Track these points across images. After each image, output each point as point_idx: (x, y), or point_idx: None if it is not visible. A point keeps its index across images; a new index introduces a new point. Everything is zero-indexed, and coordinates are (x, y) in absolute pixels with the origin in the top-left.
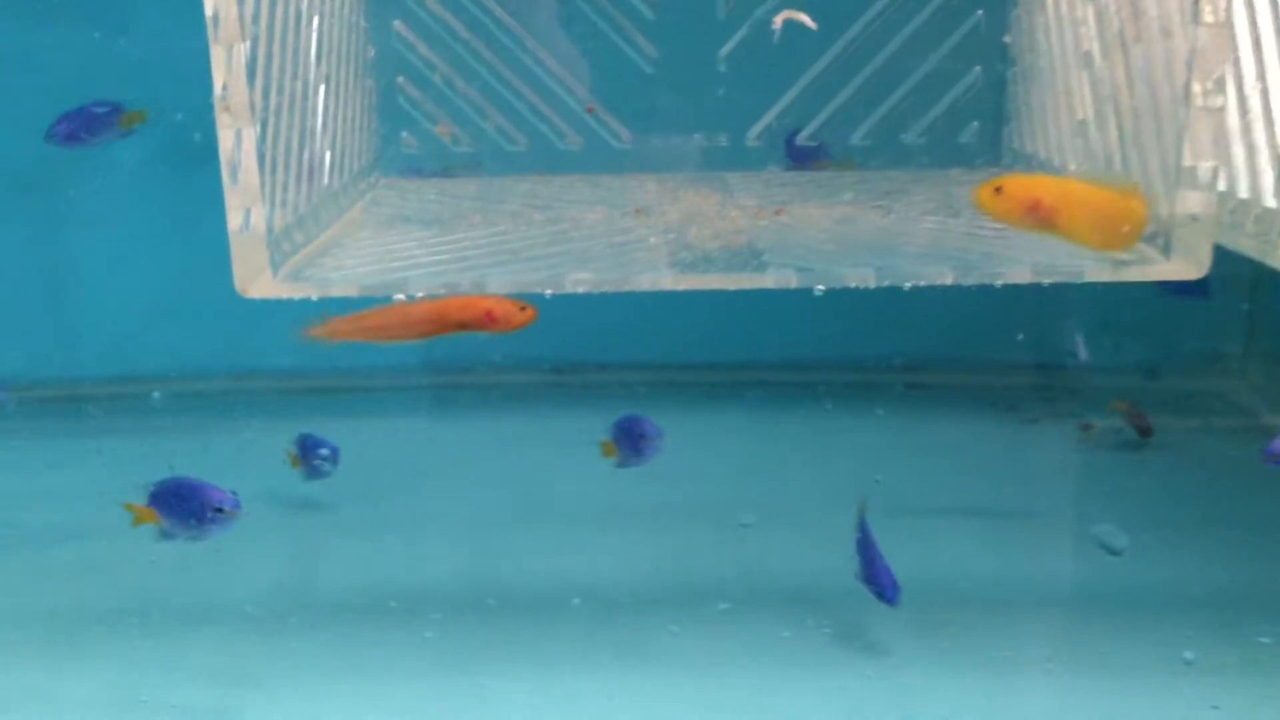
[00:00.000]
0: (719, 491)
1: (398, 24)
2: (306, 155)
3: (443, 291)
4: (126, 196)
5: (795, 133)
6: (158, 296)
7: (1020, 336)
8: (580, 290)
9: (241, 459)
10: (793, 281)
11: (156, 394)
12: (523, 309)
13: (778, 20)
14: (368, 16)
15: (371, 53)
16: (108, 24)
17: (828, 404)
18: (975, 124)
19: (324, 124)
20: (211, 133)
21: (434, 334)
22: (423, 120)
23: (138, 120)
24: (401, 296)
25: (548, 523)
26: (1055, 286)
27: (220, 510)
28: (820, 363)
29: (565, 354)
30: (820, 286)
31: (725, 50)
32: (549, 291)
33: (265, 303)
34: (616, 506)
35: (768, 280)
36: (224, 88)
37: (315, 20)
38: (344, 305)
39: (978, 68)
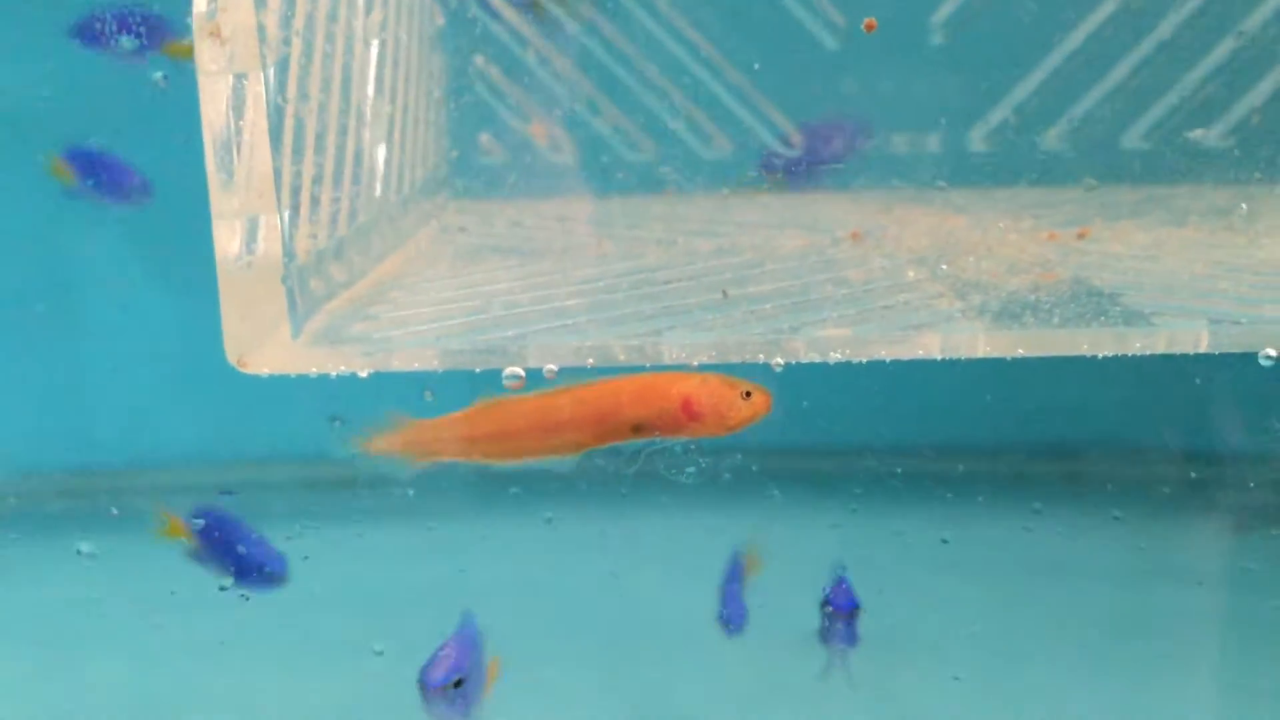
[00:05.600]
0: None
1: None
2: (350, 146)
3: (590, 363)
4: None
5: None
6: None
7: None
8: (833, 358)
9: None
10: (1203, 342)
11: None
12: (747, 395)
13: None
14: None
15: (440, 21)
16: None
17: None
18: None
19: (373, 105)
20: None
21: (591, 443)
22: (509, 117)
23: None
24: (518, 372)
25: None
26: None
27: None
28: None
29: None
30: (1271, 353)
31: (941, 14)
32: (778, 362)
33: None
34: None
35: (1159, 340)
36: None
37: None
38: (415, 388)
39: None
